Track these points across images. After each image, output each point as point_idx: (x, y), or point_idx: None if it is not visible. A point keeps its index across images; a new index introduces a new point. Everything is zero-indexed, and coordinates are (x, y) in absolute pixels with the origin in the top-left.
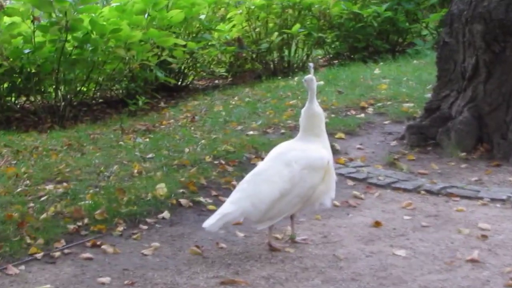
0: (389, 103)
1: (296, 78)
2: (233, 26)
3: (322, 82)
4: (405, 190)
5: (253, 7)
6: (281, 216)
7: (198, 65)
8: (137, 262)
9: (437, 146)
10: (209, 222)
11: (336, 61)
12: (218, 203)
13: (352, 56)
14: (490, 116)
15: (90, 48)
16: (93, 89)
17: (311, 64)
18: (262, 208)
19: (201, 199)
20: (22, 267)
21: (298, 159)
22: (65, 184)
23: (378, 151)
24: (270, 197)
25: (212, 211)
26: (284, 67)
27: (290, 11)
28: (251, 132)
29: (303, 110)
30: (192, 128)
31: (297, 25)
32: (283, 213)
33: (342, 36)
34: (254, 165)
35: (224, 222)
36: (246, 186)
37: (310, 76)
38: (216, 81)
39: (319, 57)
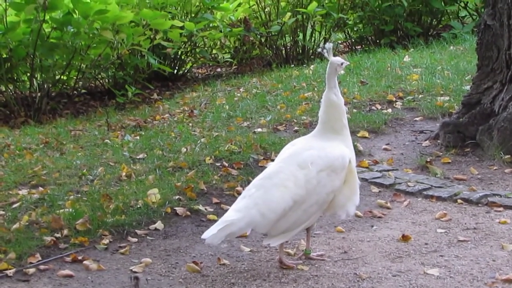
0: (420, 96)
1: (312, 67)
2: (239, 4)
3: (348, 62)
4: (439, 198)
5: None
6: (296, 229)
7: (197, 50)
8: (125, 280)
9: (477, 147)
10: (210, 233)
11: (359, 47)
12: (220, 212)
13: (378, 41)
14: None
15: (72, 31)
16: (75, 77)
17: (328, 45)
18: (272, 218)
19: (200, 207)
20: None
21: (315, 159)
22: (41, 188)
23: (408, 153)
24: (282, 205)
25: (212, 222)
26: (298, 53)
27: None
28: (259, 130)
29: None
30: (190, 124)
31: (314, 4)
32: (298, 225)
33: (367, 18)
34: (262, 168)
35: (227, 234)
36: (254, 191)
37: (331, 44)
38: (219, 69)
39: (340, 41)
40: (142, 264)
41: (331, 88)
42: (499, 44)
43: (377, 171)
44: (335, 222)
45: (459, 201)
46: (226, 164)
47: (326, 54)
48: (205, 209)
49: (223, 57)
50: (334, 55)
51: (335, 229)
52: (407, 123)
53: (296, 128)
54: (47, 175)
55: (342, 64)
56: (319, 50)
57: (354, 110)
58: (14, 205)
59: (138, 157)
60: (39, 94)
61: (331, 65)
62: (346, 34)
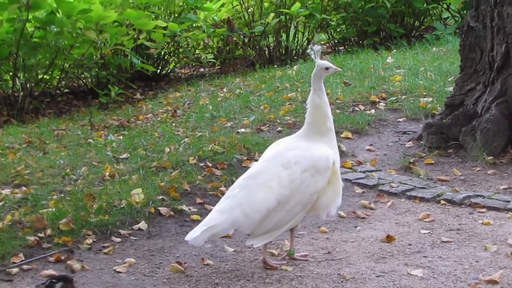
0: (404, 97)
1: (295, 67)
2: (222, 5)
3: (338, 69)
4: (423, 199)
5: None
6: (279, 230)
7: (181, 50)
8: (109, 280)
9: (460, 148)
10: (193, 235)
11: (342, 48)
12: (204, 213)
13: (361, 41)
14: None
15: (55, 30)
16: (58, 77)
17: (316, 47)
18: (256, 218)
19: (184, 207)
20: None
21: (299, 159)
22: (24, 188)
23: (391, 154)
24: (266, 205)
25: (196, 222)
26: (281, 54)
27: None
28: (242, 130)
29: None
30: (174, 124)
31: (297, 5)
32: (282, 225)
33: (350, 19)
34: (246, 168)
35: (211, 235)
36: (238, 192)
37: (319, 47)
38: (202, 70)
39: (323, 42)
40: (125, 264)
41: (316, 91)
42: (482, 46)
43: (360, 171)
44: (318, 222)
45: (442, 202)
46: (210, 164)
47: (313, 56)
48: (189, 209)
49: (206, 57)
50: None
51: (319, 229)
52: (390, 124)
53: (279, 128)
54: (30, 174)
55: (327, 69)
56: (308, 51)
57: (338, 111)
58: None
59: (121, 157)
60: (22, 93)
61: (316, 68)
62: (329, 35)
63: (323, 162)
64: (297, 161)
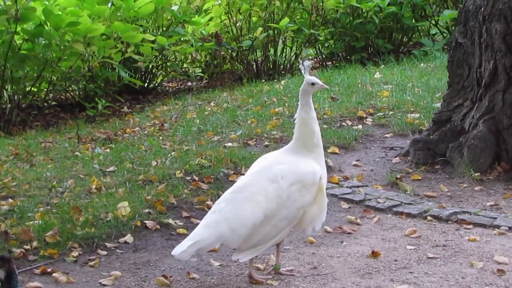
0: (391, 113)
1: (282, 82)
2: (211, 19)
3: (325, 86)
4: (409, 215)
5: None
6: (265, 245)
7: (168, 64)
8: None
9: (447, 164)
10: (179, 250)
11: (330, 63)
12: (190, 226)
13: (348, 57)
14: (509, 131)
15: (43, 42)
16: (46, 89)
17: (307, 62)
18: (243, 233)
19: (170, 221)
20: None
21: (286, 173)
22: (11, 200)
23: (378, 169)
24: (252, 219)
25: (182, 236)
26: (269, 68)
27: (277, 3)
28: (229, 144)
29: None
30: (161, 137)
31: (285, 20)
32: (267, 240)
33: (338, 34)
34: (232, 183)
35: (197, 249)
36: (224, 206)
37: (310, 62)
38: (190, 83)
39: (311, 57)
40: (111, 277)
41: (303, 106)
42: (470, 62)
43: (347, 187)
44: (304, 237)
45: (428, 218)
46: (196, 178)
47: (303, 71)
48: (175, 222)
49: (194, 71)
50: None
51: (304, 244)
52: (377, 139)
53: (266, 143)
54: (16, 186)
55: (314, 84)
56: (299, 66)
57: (325, 126)
58: None
59: (108, 170)
60: (9, 105)
61: (304, 83)
62: (317, 50)
63: (310, 177)
64: (284, 175)
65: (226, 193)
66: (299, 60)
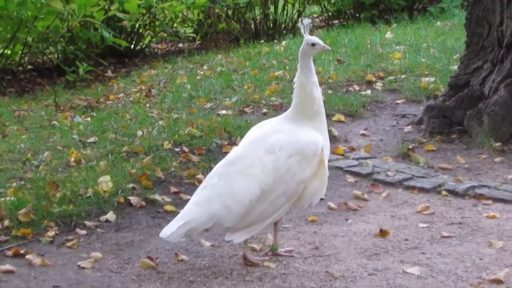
0: (403, 76)
1: (283, 43)
2: None
3: (327, 47)
4: (422, 189)
5: None
6: (262, 223)
7: (157, 23)
8: (72, 277)
9: (464, 133)
10: (168, 231)
11: (336, 22)
12: (179, 203)
13: (357, 15)
14: None
15: (17, 0)
16: (20, 52)
17: (306, 20)
18: (238, 210)
19: (157, 197)
20: None
21: (284, 144)
22: None
23: (388, 139)
24: (248, 195)
25: (170, 214)
26: (269, 28)
27: None
28: (223, 112)
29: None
30: (148, 105)
31: None
32: (265, 218)
33: None
34: (226, 154)
35: (187, 230)
36: (216, 180)
37: (309, 20)
38: (181, 45)
39: (315, 15)
40: (91, 259)
41: (302, 69)
42: (491, 20)
43: (353, 159)
44: (305, 215)
45: (443, 193)
46: (186, 150)
47: (302, 30)
48: (162, 199)
49: (185, 32)
50: (310, 32)
51: (305, 222)
52: (387, 106)
53: (264, 110)
54: None
55: (314, 45)
56: (298, 24)
57: (330, 91)
58: None
59: (88, 141)
60: None
61: (303, 44)
62: (323, 7)
63: (311, 148)
64: (282, 146)
65: (218, 166)
66: (301, 18)
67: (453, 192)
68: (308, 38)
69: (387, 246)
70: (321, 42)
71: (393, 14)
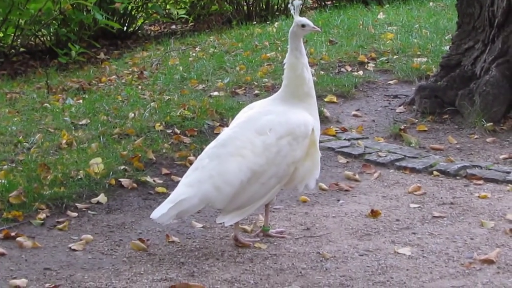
0: (395, 57)
1: (276, 24)
2: None
3: (317, 28)
4: (413, 170)
5: None
6: (254, 205)
7: (150, 5)
8: (63, 259)
9: (456, 113)
10: (159, 212)
11: (329, 2)
12: (171, 185)
13: None
14: None
15: None
16: (13, 35)
17: (297, 1)
18: (229, 192)
19: (148, 178)
20: None
21: (274, 125)
22: None
23: (380, 120)
24: (239, 176)
25: (161, 195)
26: (262, 9)
27: None
28: (215, 93)
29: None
30: (140, 86)
31: None
32: (256, 199)
33: None
34: (217, 136)
35: (179, 212)
36: (207, 162)
37: (300, 2)
38: (173, 27)
39: None
40: (82, 241)
41: (292, 50)
42: (482, 0)
43: (345, 139)
44: (297, 196)
45: (435, 173)
46: (178, 131)
47: (292, 11)
48: (154, 180)
49: (178, 13)
50: (303, 13)
51: (297, 203)
52: (379, 86)
53: (256, 91)
54: None
55: (304, 26)
56: (289, 5)
57: (322, 72)
58: None
59: (80, 123)
60: None
61: (293, 25)
62: None
63: (301, 129)
64: (273, 127)
65: (209, 147)
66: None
67: (444, 172)
68: (298, 19)
69: (378, 227)
70: (310, 23)
71: None
